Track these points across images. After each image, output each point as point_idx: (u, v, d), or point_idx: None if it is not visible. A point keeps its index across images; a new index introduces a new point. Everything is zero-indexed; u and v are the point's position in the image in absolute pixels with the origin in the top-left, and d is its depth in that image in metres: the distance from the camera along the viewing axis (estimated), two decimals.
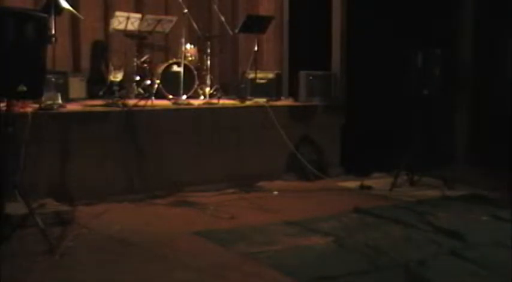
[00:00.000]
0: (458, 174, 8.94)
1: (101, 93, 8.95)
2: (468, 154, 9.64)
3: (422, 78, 8.38)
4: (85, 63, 9.97)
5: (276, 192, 8.11)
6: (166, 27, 9.47)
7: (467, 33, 9.68)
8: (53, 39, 7.52)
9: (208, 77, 9.48)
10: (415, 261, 5.44)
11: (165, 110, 8.28)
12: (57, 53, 7.80)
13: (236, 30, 9.60)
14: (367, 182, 8.64)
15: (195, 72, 9.52)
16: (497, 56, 8.74)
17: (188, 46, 9.72)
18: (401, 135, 8.75)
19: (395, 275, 5.18)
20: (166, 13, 10.01)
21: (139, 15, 9.20)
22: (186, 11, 9.06)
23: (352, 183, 8.69)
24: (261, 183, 8.44)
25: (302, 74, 9.52)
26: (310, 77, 9.50)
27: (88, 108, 7.91)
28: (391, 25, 9.21)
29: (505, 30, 8.60)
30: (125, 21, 9.03)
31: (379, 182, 8.71)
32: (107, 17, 9.75)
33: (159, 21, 9.31)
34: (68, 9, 8.06)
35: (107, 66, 9.35)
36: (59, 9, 7.75)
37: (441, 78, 8.46)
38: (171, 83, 9.20)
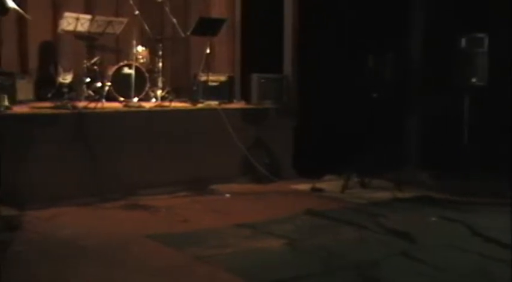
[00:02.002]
0: (409, 177, 9.09)
1: (49, 95, 8.77)
2: (419, 156, 9.79)
3: (374, 81, 8.52)
4: (33, 64, 9.73)
5: (227, 195, 8.09)
6: (117, 29, 9.34)
7: (418, 36, 9.85)
8: None
9: (160, 79, 9.39)
10: (367, 262, 5.50)
11: (116, 113, 8.19)
12: (4, 54, 7.61)
13: (188, 33, 9.54)
14: (319, 185, 8.69)
15: (147, 75, 9.43)
16: (447, 59, 8.91)
17: (139, 48, 9.61)
18: (353, 138, 8.85)
19: (347, 277, 5.21)
20: (117, 15, 9.86)
21: (89, 17, 9.04)
22: (137, 12, 8.96)
23: (305, 186, 8.73)
24: (214, 186, 8.41)
25: (254, 76, 9.54)
26: (262, 80, 9.53)
27: (36, 111, 7.75)
28: (344, 27, 9.30)
29: (456, 33, 8.78)
30: (74, 22, 8.86)
31: (331, 185, 8.78)
32: (56, 17, 9.55)
33: (109, 22, 9.17)
34: (15, 9, 7.86)
35: (56, 68, 9.16)
36: (5, 9, 7.54)
37: (392, 80, 8.62)
38: (122, 86, 9.09)
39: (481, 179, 8.64)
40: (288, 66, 9.74)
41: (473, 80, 8.68)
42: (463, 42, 8.72)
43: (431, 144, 9.43)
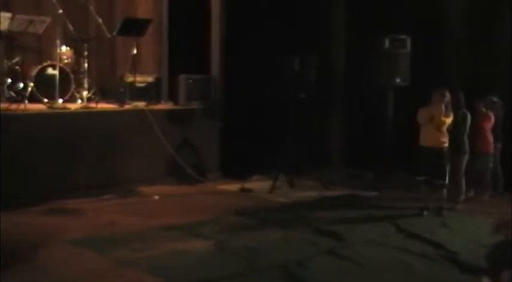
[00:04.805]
0: (335, 175, 9.22)
1: None
2: (345, 155, 9.94)
3: (298, 82, 8.60)
4: None
5: (156, 197, 7.99)
6: (39, 28, 9.07)
7: (342, 37, 10.00)
8: None
9: (85, 80, 9.20)
10: (294, 261, 5.52)
11: (39, 114, 7.97)
12: None
13: (114, 33, 9.39)
14: (248, 185, 8.71)
15: (72, 76, 9.21)
16: (371, 59, 9.07)
17: (64, 48, 9.38)
18: (280, 138, 8.90)
19: (274, 276, 5.23)
20: (39, 13, 9.59)
21: (9, 15, 8.76)
22: (60, 11, 8.75)
23: (233, 186, 8.73)
24: (141, 188, 8.28)
25: (181, 77, 9.47)
26: (190, 81, 9.48)
27: None
28: (270, 29, 9.35)
29: (380, 34, 8.95)
30: None
31: (259, 185, 8.81)
32: None
33: (31, 21, 8.90)
34: None
35: None
36: None
37: (317, 82, 8.73)
38: (46, 87, 8.84)
39: (405, 176, 8.84)
40: (215, 67, 9.72)
41: (397, 80, 8.87)
42: (387, 42, 8.90)
43: (357, 143, 9.58)
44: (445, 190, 7.31)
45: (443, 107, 7.16)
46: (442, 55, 9.02)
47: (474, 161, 7.83)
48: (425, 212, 7.26)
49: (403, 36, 8.88)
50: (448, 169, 7.27)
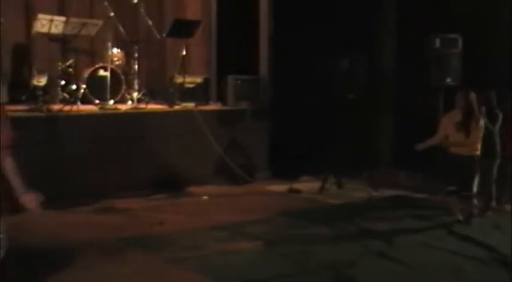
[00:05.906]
0: (385, 177, 9.13)
1: (23, 97, 8.67)
2: (394, 156, 9.84)
3: (347, 82, 8.56)
4: (6, 66, 9.59)
5: (205, 197, 8.06)
6: (92, 31, 9.24)
7: (390, 38, 9.90)
8: None
9: (135, 81, 9.33)
10: (343, 262, 5.51)
11: (91, 115, 8.13)
12: None
13: (164, 34, 9.50)
14: (296, 186, 8.70)
15: (122, 77, 9.35)
16: (422, 59, 8.95)
17: (115, 50, 9.53)
18: (328, 139, 8.86)
19: (323, 277, 5.23)
20: (92, 16, 9.78)
21: (63, 18, 8.95)
22: (112, 14, 8.90)
23: (281, 187, 8.73)
24: (190, 188, 8.37)
25: (230, 78, 9.53)
26: (239, 81, 9.53)
27: (10, 114, 7.63)
28: (319, 29, 9.32)
29: (430, 33, 8.83)
30: (48, 24, 8.75)
31: (307, 186, 8.80)
32: (29, 19, 9.43)
33: (84, 24, 9.07)
34: None
35: (30, 70, 9.05)
36: None
37: (366, 82, 8.66)
38: (97, 88, 9.00)
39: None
40: (264, 68, 9.75)
41: (448, 80, 8.72)
42: (437, 42, 8.75)
43: (406, 143, 9.45)
44: (475, 200, 6.83)
45: (478, 114, 6.67)
46: (494, 55, 8.84)
47: (503, 166, 7.29)
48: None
49: (455, 36, 8.73)
50: (477, 178, 6.73)
